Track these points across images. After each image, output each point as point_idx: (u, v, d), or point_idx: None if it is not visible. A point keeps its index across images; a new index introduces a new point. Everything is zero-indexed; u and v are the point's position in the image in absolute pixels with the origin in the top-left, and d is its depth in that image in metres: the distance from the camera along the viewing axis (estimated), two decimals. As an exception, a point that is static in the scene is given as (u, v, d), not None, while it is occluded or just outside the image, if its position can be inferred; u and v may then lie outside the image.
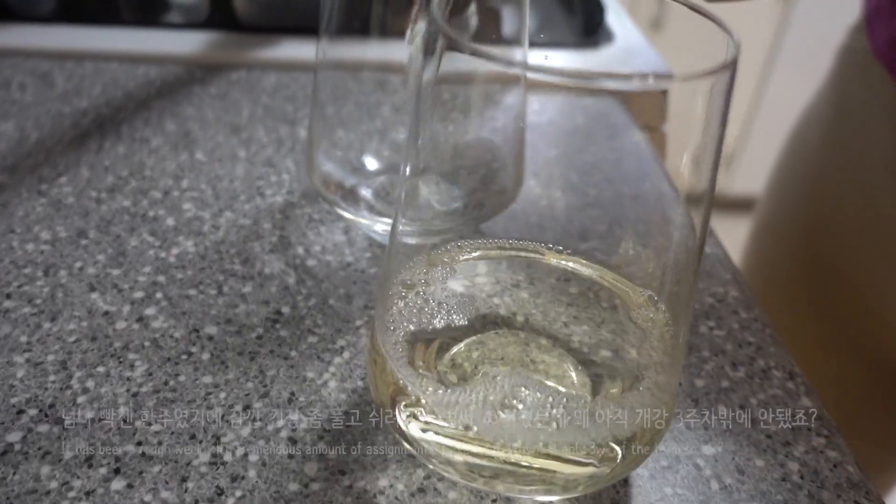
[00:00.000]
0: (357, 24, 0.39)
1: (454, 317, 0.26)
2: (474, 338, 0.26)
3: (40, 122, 0.40)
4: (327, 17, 0.34)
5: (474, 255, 0.28)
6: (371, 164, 0.35)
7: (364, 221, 0.32)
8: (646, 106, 0.51)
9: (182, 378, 0.26)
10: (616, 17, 0.56)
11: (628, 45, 0.54)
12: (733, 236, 0.57)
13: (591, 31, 0.54)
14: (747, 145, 1.72)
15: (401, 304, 0.25)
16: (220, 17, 0.49)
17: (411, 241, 0.26)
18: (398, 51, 0.36)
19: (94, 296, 0.29)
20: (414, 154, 0.23)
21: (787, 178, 0.55)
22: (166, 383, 0.26)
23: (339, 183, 0.33)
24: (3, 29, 0.48)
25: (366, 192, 0.33)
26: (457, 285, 0.27)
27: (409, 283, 0.25)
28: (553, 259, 0.28)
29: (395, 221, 0.24)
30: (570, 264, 0.28)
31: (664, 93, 0.52)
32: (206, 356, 0.27)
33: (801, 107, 0.57)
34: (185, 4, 0.53)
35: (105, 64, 0.46)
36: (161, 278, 0.30)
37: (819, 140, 0.52)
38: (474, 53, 0.19)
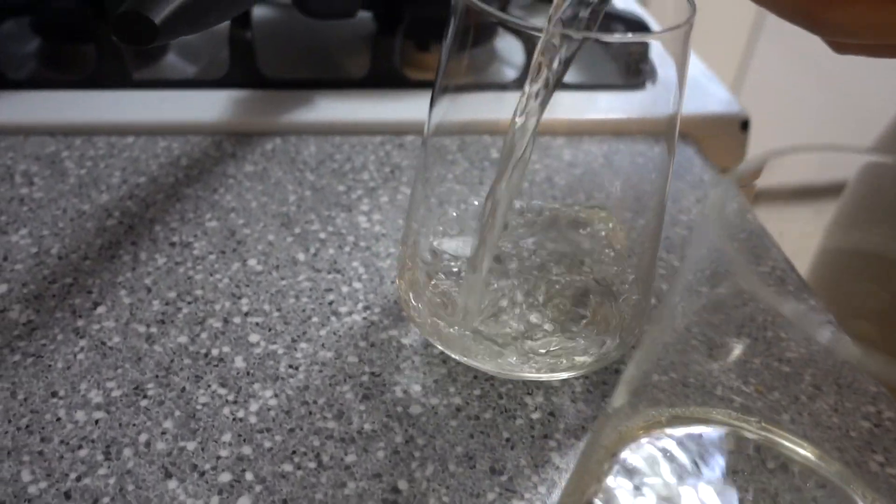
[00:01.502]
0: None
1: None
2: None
3: (58, 227, 0.34)
4: (445, 63, 0.28)
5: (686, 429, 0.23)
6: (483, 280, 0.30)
7: (483, 366, 0.27)
8: (721, 148, 0.47)
9: None
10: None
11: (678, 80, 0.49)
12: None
13: (634, 69, 0.49)
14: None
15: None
16: (241, 71, 0.43)
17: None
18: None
19: (172, 484, 0.24)
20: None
21: (871, 201, 0.51)
22: None
23: (440, 310, 0.28)
24: (-8, 97, 0.41)
25: (475, 320, 0.28)
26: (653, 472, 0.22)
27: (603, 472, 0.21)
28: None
29: (638, 366, 0.20)
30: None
31: (744, 132, 0.48)
32: (324, 566, 0.22)
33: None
34: (201, 59, 0.46)
35: (120, 139, 0.40)
36: (247, 450, 0.25)
37: None
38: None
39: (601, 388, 0.29)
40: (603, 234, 0.32)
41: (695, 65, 0.50)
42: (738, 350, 0.31)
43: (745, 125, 0.46)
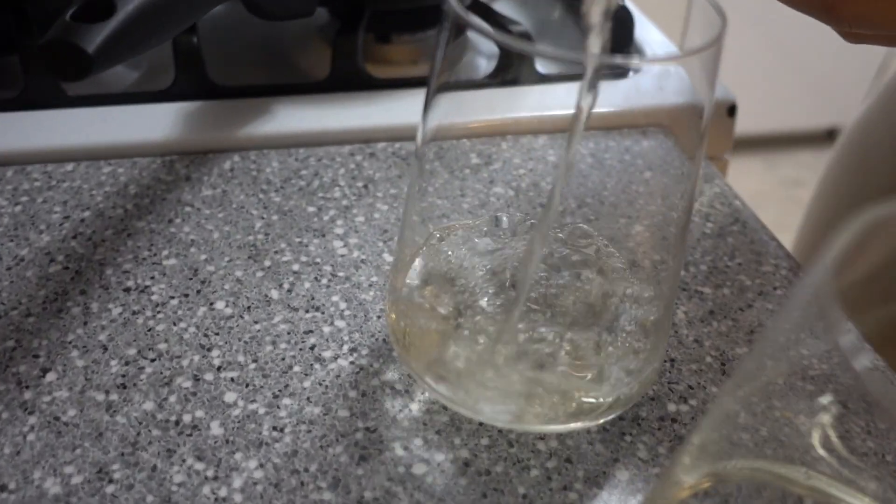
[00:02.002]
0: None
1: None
2: None
3: (-6, 278, 0.30)
4: (440, 58, 0.24)
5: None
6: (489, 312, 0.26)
7: (493, 418, 0.25)
8: (711, 135, 0.45)
9: None
10: (646, 32, 0.48)
11: (665, 66, 0.46)
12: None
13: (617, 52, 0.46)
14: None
15: None
16: (189, 80, 0.39)
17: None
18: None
19: (151, 589, 0.21)
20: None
21: (853, 189, 0.50)
22: None
23: (441, 351, 0.25)
24: None
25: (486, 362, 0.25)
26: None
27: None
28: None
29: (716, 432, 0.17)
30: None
31: (731, 117, 0.46)
32: None
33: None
34: (142, 64, 0.42)
35: (57, 167, 0.35)
36: (234, 538, 0.22)
37: (888, 147, 0.46)
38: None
39: (618, 424, 0.26)
40: (609, 252, 0.29)
41: (670, 47, 0.47)
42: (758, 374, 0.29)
43: (731, 110, 0.44)
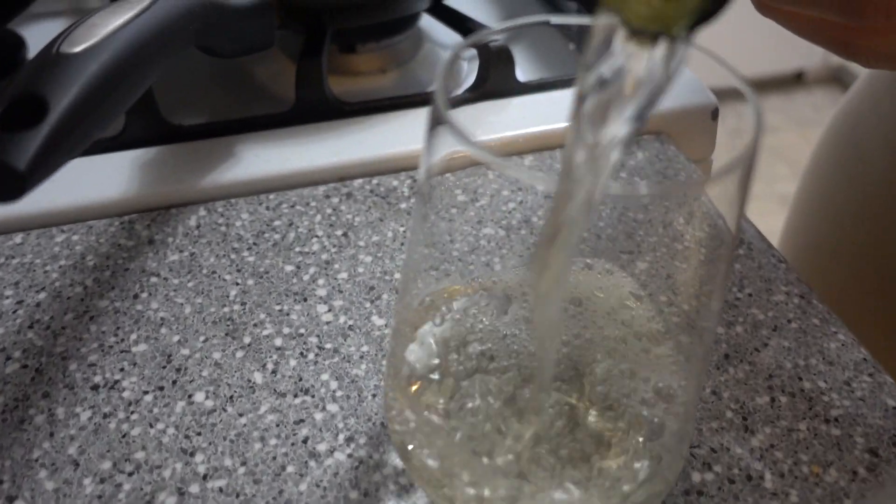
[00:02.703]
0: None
1: None
2: None
3: (-56, 385, 0.27)
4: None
5: None
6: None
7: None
8: (693, 140, 0.42)
9: None
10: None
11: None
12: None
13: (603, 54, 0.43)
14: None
15: None
16: (141, 124, 0.36)
17: None
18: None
19: None
20: None
21: (840, 182, 0.48)
22: None
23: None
24: None
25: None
26: None
27: None
28: None
29: None
30: None
31: (714, 121, 0.43)
32: None
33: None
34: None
35: (4, 241, 0.32)
36: None
37: (880, 137, 0.45)
38: None
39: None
40: (630, 314, 0.27)
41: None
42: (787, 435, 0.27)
43: (715, 114, 0.41)
